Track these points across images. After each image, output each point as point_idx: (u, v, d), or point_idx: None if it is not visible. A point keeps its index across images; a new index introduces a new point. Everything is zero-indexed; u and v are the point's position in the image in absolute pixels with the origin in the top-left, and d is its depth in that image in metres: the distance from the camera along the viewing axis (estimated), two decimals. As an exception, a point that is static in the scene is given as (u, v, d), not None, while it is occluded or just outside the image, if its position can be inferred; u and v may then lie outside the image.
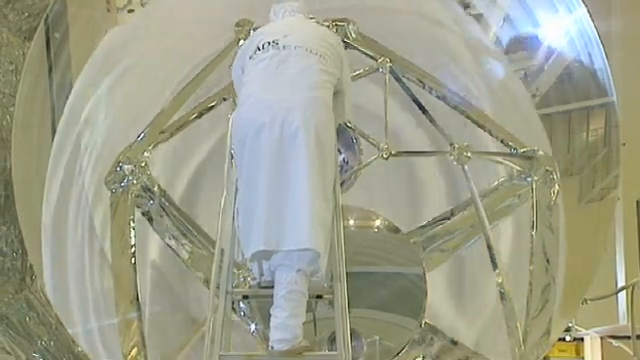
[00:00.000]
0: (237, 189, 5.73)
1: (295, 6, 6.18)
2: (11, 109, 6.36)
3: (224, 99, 6.70)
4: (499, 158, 7.27)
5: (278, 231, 5.31)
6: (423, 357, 7.09)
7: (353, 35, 7.27)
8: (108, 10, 7.58)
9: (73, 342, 6.33)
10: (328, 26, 6.87)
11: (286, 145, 5.37)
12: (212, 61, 6.96)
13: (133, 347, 6.32)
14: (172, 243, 6.81)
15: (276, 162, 5.37)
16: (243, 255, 5.57)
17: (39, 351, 5.95)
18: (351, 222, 6.78)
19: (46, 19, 6.80)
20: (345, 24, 7.31)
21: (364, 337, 6.47)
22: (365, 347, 6.51)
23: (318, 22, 6.87)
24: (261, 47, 5.71)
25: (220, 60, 6.62)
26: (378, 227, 7.21)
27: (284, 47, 5.67)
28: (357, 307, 5.64)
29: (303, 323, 5.35)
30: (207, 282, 6.52)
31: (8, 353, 5.56)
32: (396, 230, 7.19)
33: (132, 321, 6.40)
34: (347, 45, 7.09)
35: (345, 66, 5.98)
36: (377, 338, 6.60)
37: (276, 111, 5.42)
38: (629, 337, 9.58)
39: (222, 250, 5.67)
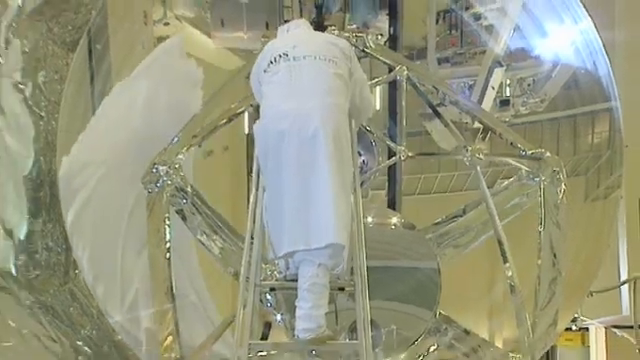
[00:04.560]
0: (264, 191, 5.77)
1: (299, 22, 6.30)
2: (56, 115, 6.41)
3: (251, 105, 6.74)
4: (509, 159, 7.28)
5: (306, 231, 5.39)
6: (437, 346, 7.15)
7: (372, 45, 7.36)
8: (145, 23, 7.63)
9: (113, 331, 6.41)
10: (348, 37, 6.96)
11: (306, 149, 5.44)
12: (240, 70, 7.09)
13: (168, 335, 6.37)
14: (204, 239, 6.86)
15: (297, 167, 5.46)
16: (274, 253, 5.67)
17: (82, 339, 6.00)
18: (369, 219, 6.81)
19: (88, 32, 6.86)
20: (364, 35, 7.40)
21: (382, 327, 6.52)
22: (383, 336, 6.57)
23: (339, 33, 7.00)
24: (273, 60, 5.78)
25: (248, 68, 6.51)
26: (395, 224, 7.28)
27: (294, 58, 5.73)
28: (376, 299, 5.64)
29: (325, 313, 5.42)
30: (236, 275, 6.53)
31: (54, 341, 5.64)
32: (412, 227, 7.27)
33: (167, 311, 6.42)
34: (366, 54, 7.21)
35: (357, 67, 6.01)
36: (394, 328, 6.66)
37: (294, 118, 5.50)
38: (632, 327, 9.61)
39: (251, 246, 5.71)
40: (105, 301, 6.69)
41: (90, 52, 6.98)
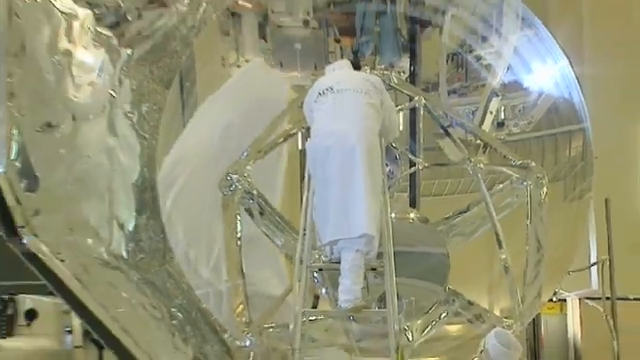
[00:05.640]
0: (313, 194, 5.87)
1: (342, 63, 6.40)
2: (156, 137, 6.43)
3: (303, 127, 6.81)
4: (503, 168, 7.30)
5: (346, 224, 5.50)
6: (447, 313, 7.14)
7: (395, 80, 7.45)
8: (223, 65, 7.70)
9: (199, 301, 6.48)
10: (377, 74, 7.03)
11: (346, 161, 5.58)
12: (295, 100, 7.15)
13: (240, 304, 6.43)
14: (268, 232, 6.89)
15: (340, 175, 5.60)
16: (321, 241, 5.75)
17: (176, 307, 6.05)
18: (393, 215, 6.75)
19: (180, 72, 6.93)
20: (390, 72, 7.49)
21: (404, 298, 6.48)
22: (404, 306, 6.53)
23: (370, 71, 7.06)
24: (321, 92, 5.92)
25: (301, 99, 6.61)
26: (413, 218, 7.33)
27: (338, 91, 5.86)
28: (399, 277, 5.69)
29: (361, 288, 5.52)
30: (291, 259, 6.66)
31: (155, 308, 5.68)
32: (426, 220, 7.32)
33: (239, 286, 6.48)
34: (392, 87, 7.25)
35: (386, 97, 6.12)
36: (413, 299, 6.68)
37: (337, 137, 5.64)
38: (600, 298, 9.57)
39: (304, 236, 5.80)
40: (196, 262, 6.75)
41: (181, 88, 7.06)
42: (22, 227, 4.58)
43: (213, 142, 7.10)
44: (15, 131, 4.63)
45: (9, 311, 7.16)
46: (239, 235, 6.58)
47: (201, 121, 7.17)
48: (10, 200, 4.54)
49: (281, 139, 6.95)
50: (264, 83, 7.76)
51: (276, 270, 7.07)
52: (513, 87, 8.09)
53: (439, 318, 7.11)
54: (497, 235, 6.73)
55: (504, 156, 7.27)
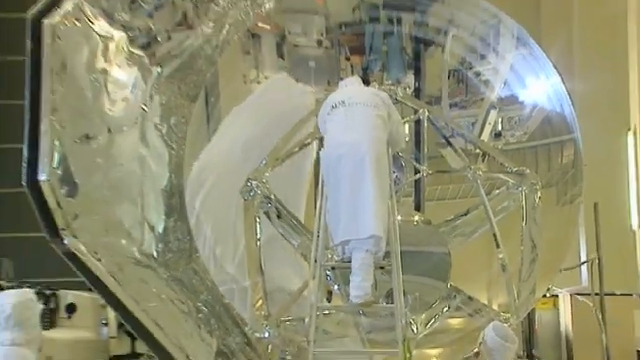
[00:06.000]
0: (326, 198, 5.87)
1: (353, 79, 6.43)
2: (183, 147, 6.47)
3: (317, 138, 6.80)
4: (500, 175, 7.30)
5: (356, 226, 5.50)
6: (449, 308, 7.11)
7: (401, 94, 7.47)
8: (244, 82, 7.74)
9: (222, 296, 6.48)
10: (384, 89, 7.04)
11: (357, 169, 5.58)
12: (310, 112, 7.15)
13: (259, 299, 6.41)
14: (285, 233, 6.87)
15: (351, 181, 5.59)
16: (333, 241, 5.75)
17: (201, 301, 6.06)
18: (399, 218, 6.71)
19: (205, 88, 6.96)
20: (395, 87, 7.51)
21: (409, 294, 6.48)
22: (410, 301, 6.55)
23: (378, 86, 7.07)
24: (334, 106, 5.93)
25: (317, 111, 6.61)
26: (417, 221, 7.28)
27: (349, 104, 5.87)
28: (405, 274, 5.67)
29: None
30: (305, 257, 6.67)
31: (182, 303, 5.69)
32: (429, 222, 7.29)
33: (258, 283, 6.45)
34: (397, 101, 7.26)
35: (393, 110, 6.12)
36: (418, 295, 6.69)
37: (349, 146, 5.64)
38: (589, 294, 9.57)
39: (318, 237, 5.78)
40: (222, 259, 6.74)
41: (206, 102, 7.09)
42: (63, 229, 4.67)
43: (234, 153, 7.12)
44: (57, 142, 4.75)
45: (51, 305, 7.24)
46: (258, 236, 6.56)
47: (225, 133, 7.22)
48: (52, 204, 4.64)
49: (296, 148, 6.93)
50: (288, 96, 7.78)
51: (297, 269, 7.03)
52: (509, 101, 8.09)
53: (442, 312, 7.08)
54: (495, 236, 6.71)
55: (501, 164, 7.27)
